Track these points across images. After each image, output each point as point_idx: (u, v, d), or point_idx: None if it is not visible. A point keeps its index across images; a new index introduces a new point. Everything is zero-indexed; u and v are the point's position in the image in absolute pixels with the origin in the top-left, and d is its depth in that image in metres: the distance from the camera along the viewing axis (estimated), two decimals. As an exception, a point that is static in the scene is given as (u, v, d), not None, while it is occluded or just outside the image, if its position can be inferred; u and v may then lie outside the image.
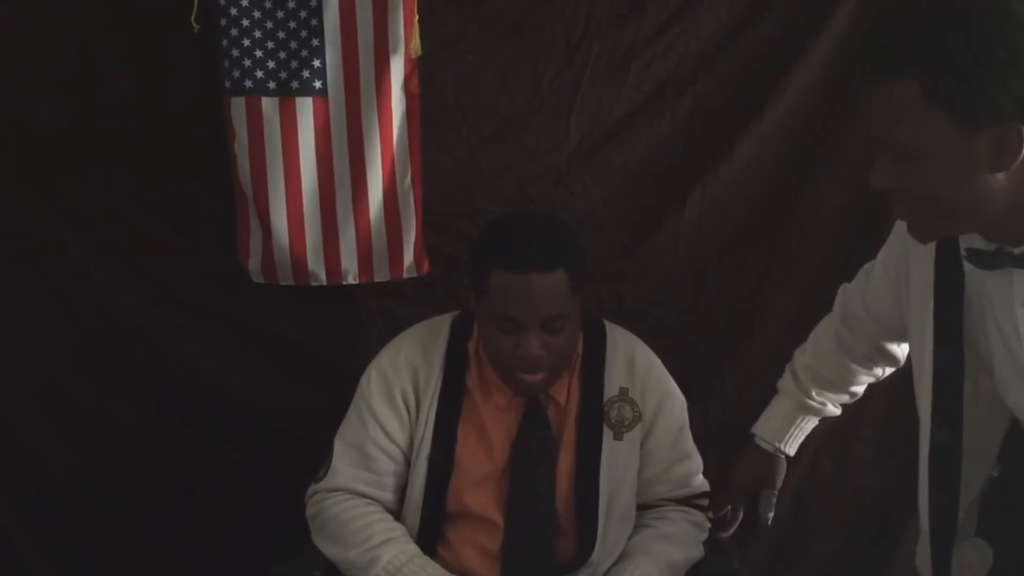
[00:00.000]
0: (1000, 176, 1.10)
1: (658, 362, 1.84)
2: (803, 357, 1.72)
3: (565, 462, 1.75)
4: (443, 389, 1.75)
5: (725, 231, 2.21)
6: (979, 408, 1.33)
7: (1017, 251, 1.18)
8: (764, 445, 1.75)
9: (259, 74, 2.00)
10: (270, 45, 2.00)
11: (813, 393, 1.70)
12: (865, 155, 1.96)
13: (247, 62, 1.99)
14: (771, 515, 1.75)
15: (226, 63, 1.99)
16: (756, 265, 2.24)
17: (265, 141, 2.02)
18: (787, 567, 2.37)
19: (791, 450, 1.75)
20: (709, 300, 2.24)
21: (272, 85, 2.01)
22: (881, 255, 1.53)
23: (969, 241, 1.24)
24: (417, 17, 2.01)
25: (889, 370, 1.68)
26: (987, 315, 1.26)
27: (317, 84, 2.02)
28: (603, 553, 1.76)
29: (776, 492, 1.76)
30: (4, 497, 2.24)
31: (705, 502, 1.82)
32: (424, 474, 1.73)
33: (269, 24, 1.99)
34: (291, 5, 1.99)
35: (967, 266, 1.26)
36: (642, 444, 1.79)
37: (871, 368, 1.68)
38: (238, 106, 2.01)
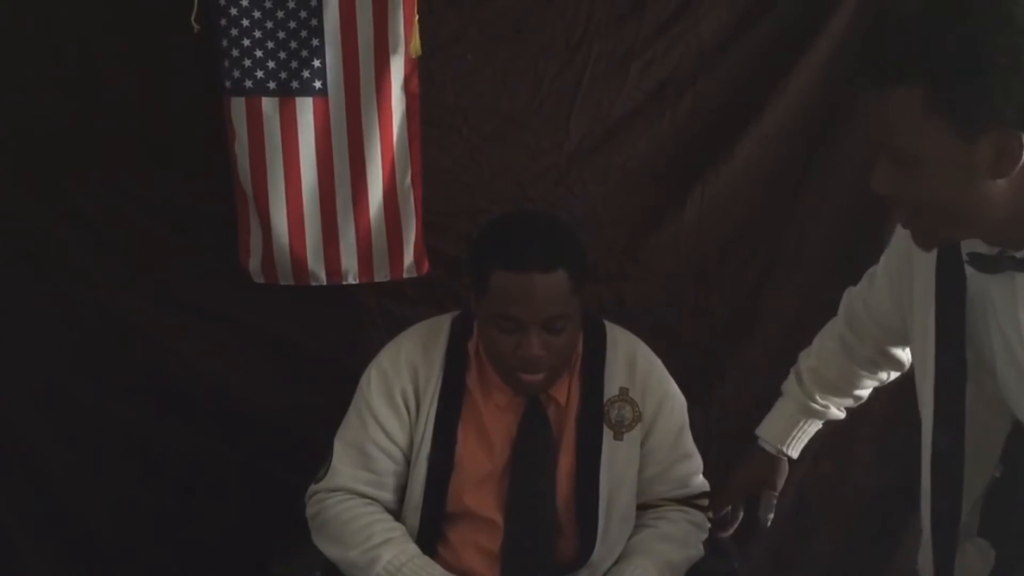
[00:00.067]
0: (1001, 182, 1.10)
1: (658, 362, 1.84)
2: (807, 360, 1.72)
3: (565, 462, 1.75)
4: (443, 389, 1.75)
5: (725, 231, 2.21)
6: (982, 410, 1.33)
7: (1019, 255, 1.18)
8: (767, 447, 1.75)
9: (259, 74, 2.00)
10: (270, 45, 2.00)
11: (817, 396, 1.70)
12: (865, 155, 1.96)
13: (247, 62, 1.99)
14: (771, 516, 1.74)
15: (226, 63, 1.99)
16: (756, 265, 2.24)
17: (265, 141, 2.02)
18: (787, 567, 2.37)
19: (794, 453, 1.75)
20: (709, 300, 2.24)
21: (272, 85, 2.01)
22: (883, 259, 1.52)
23: (971, 245, 1.23)
24: (417, 17, 2.01)
25: (894, 375, 1.67)
26: (989, 318, 1.26)
27: (317, 84, 2.02)
28: (603, 553, 1.76)
29: (777, 494, 1.76)
30: (4, 497, 2.24)
31: (705, 502, 1.82)
32: (424, 474, 1.73)
33: (269, 24, 1.99)
34: (291, 5, 1.99)
35: (969, 269, 1.26)
36: (642, 444, 1.79)
37: (876, 372, 1.67)
38: (238, 106, 2.01)
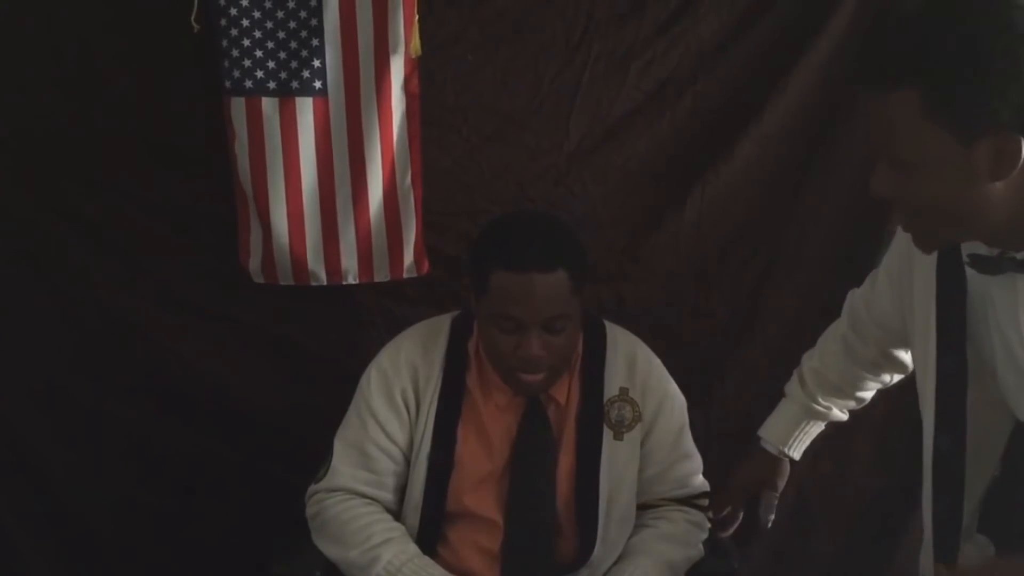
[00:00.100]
0: (999, 184, 1.10)
1: (658, 362, 1.84)
2: (810, 361, 1.72)
3: (565, 462, 1.75)
4: (443, 389, 1.75)
5: (725, 231, 2.21)
6: (983, 411, 1.33)
7: (1019, 256, 1.18)
8: (769, 448, 1.75)
9: (259, 74, 2.00)
10: (270, 45, 2.00)
11: (819, 398, 1.70)
12: (865, 155, 1.96)
13: (247, 62, 1.99)
14: (772, 517, 1.74)
15: (226, 63, 1.99)
16: (756, 265, 2.24)
17: (265, 141, 2.02)
18: (787, 567, 2.37)
19: (796, 454, 1.75)
20: (709, 300, 2.24)
21: (272, 85, 2.01)
22: (885, 260, 1.52)
23: (971, 247, 1.24)
24: (417, 17, 2.01)
25: (897, 377, 1.67)
26: (990, 319, 1.26)
27: (317, 84, 2.02)
28: (603, 553, 1.76)
29: (777, 495, 1.76)
30: (4, 497, 2.24)
31: (705, 502, 1.82)
32: (424, 474, 1.73)
33: (269, 24, 1.99)
34: (291, 5, 1.99)
35: (969, 271, 1.26)
36: (642, 444, 1.79)
37: (878, 375, 1.67)
38: (238, 106, 2.01)
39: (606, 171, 2.17)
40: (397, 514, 1.77)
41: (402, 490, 1.77)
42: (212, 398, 2.21)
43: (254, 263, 2.12)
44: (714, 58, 2.13)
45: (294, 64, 2.01)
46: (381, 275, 2.14)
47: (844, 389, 1.70)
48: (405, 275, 2.15)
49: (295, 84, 2.01)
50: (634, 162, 2.17)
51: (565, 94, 2.13)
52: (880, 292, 1.54)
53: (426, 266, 2.15)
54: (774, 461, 1.75)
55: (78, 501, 2.26)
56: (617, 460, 1.76)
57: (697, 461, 1.86)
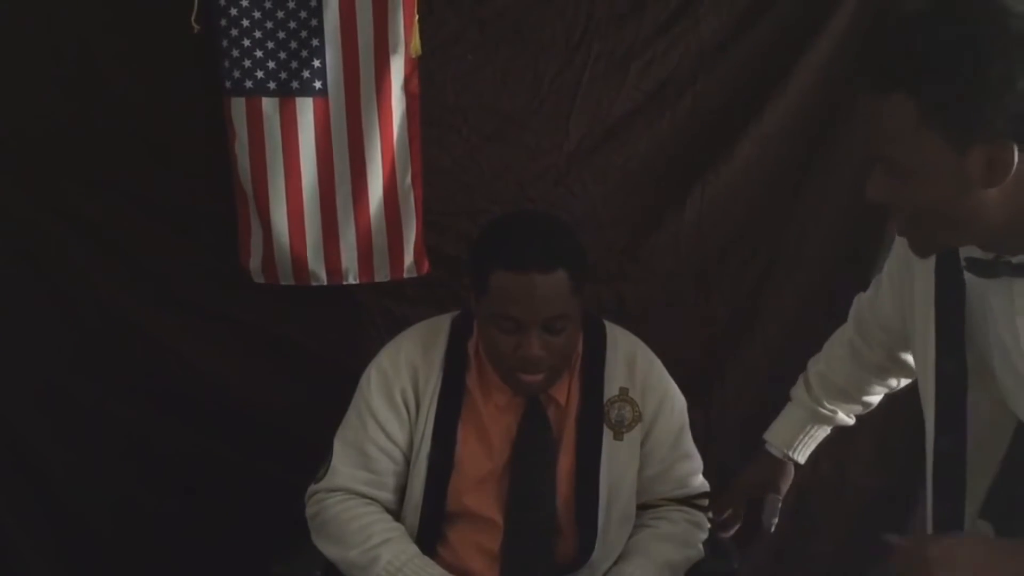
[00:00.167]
0: (993, 190, 1.11)
1: (658, 362, 1.84)
2: (816, 365, 1.72)
3: (565, 462, 1.75)
4: (443, 389, 1.75)
5: (725, 231, 2.21)
6: (985, 412, 1.33)
7: (1015, 260, 1.18)
8: (773, 451, 1.75)
9: (259, 74, 2.00)
10: (270, 45, 2.00)
11: (825, 402, 1.70)
12: (865, 156, 1.96)
13: (247, 62, 1.99)
14: (775, 521, 1.74)
15: (226, 63, 1.99)
16: (756, 265, 2.24)
17: (265, 141, 2.03)
18: (787, 567, 2.37)
19: (801, 458, 1.75)
20: (709, 300, 2.24)
21: (272, 85, 2.01)
22: (887, 263, 1.53)
23: (968, 250, 1.24)
24: (417, 17, 2.01)
25: (905, 381, 1.66)
26: (988, 322, 1.26)
27: (317, 84, 2.02)
28: (603, 553, 1.76)
29: (781, 498, 1.76)
30: (4, 497, 2.24)
31: (705, 502, 1.82)
32: (424, 474, 1.73)
33: (269, 24, 1.99)
34: (291, 5, 1.99)
35: (967, 274, 1.26)
36: (642, 444, 1.79)
37: (885, 379, 1.67)
38: (238, 106, 2.01)
39: (606, 171, 2.17)
40: (397, 514, 1.77)
41: (402, 490, 1.77)
42: (212, 398, 2.21)
43: (254, 263, 2.12)
44: (714, 58, 2.13)
45: (294, 64, 2.01)
46: (381, 275, 2.14)
47: (850, 393, 1.70)
48: (405, 275, 2.15)
49: (295, 84, 2.02)
50: (634, 162, 2.17)
51: (565, 94, 2.13)
52: (883, 295, 1.54)
53: (426, 266, 2.16)
54: (778, 464, 1.76)
55: (78, 501, 2.26)
56: (617, 460, 1.76)
57: (697, 461, 1.86)
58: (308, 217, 2.08)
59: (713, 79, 2.14)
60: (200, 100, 2.05)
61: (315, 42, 2.00)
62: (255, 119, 2.01)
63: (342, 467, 1.75)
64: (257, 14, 1.98)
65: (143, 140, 2.10)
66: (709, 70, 2.13)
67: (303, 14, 2.00)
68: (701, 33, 2.12)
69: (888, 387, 1.70)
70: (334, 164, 2.07)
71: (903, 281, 1.43)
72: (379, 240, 2.12)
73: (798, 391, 1.75)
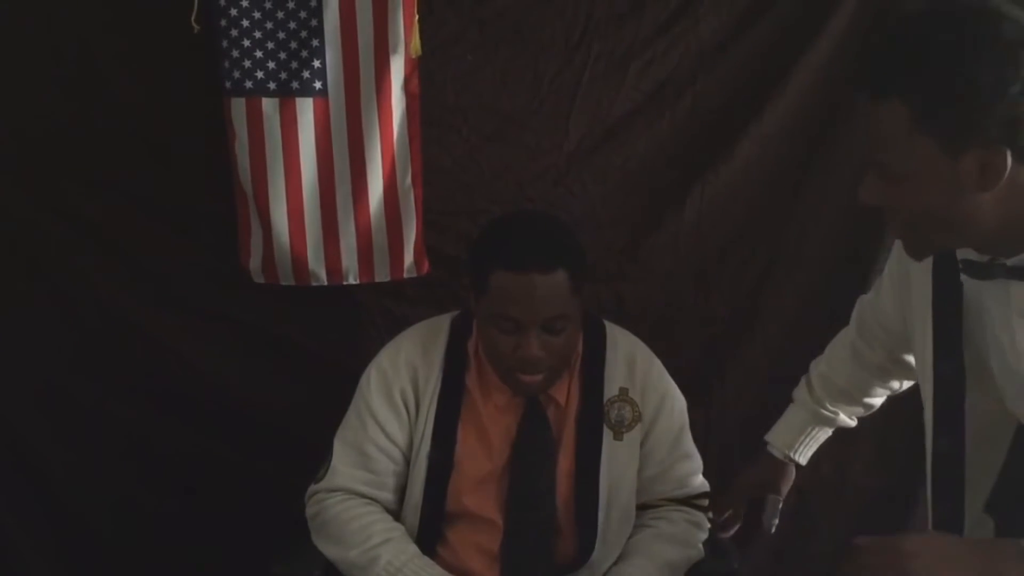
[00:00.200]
0: (986, 195, 1.11)
1: (658, 362, 1.84)
2: (818, 367, 1.72)
3: (565, 462, 1.75)
4: (443, 389, 1.75)
5: (725, 231, 2.21)
6: (985, 413, 1.33)
7: (1009, 263, 1.19)
8: (775, 452, 1.75)
9: (259, 75, 2.00)
10: (270, 46, 2.00)
11: (827, 403, 1.70)
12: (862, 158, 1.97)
13: (247, 63, 1.99)
14: (776, 522, 1.74)
15: (226, 64, 1.99)
16: (756, 265, 2.24)
17: (265, 141, 2.02)
18: (787, 567, 2.37)
19: (802, 459, 1.75)
20: (709, 300, 2.24)
21: (272, 86, 2.01)
22: (887, 264, 1.53)
23: (964, 252, 1.24)
24: (417, 17, 2.01)
25: (907, 383, 1.66)
26: (986, 324, 1.27)
27: (317, 84, 2.02)
28: (603, 553, 1.76)
29: (781, 499, 1.76)
30: (4, 497, 2.24)
31: (705, 502, 1.82)
32: (424, 474, 1.73)
33: (269, 25, 1.99)
34: (291, 6, 1.99)
35: (964, 275, 1.27)
36: (642, 444, 1.79)
37: (887, 381, 1.67)
38: (238, 107, 2.01)
39: (606, 171, 2.17)
40: (397, 514, 1.77)
41: (402, 490, 1.77)
42: (212, 398, 2.21)
43: (254, 263, 2.12)
44: (714, 58, 2.13)
45: (294, 64, 2.01)
46: (381, 275, 2.14)
47: (852, 395, 1.70)
48: (405, 275, 2.15)
49: (295, 84, 2.02)
50: (634, 162, 2.17)
51: (565, 94, 2.13)
52: (884, 296, 1.54)
53: (426, 266, 2.15)
54: (779, 466, 1.76)
55: (78, 501, 2.26)
56: (617, 460, 1.76)
57: (697, 461, 1.86)
58: (308, 217, 2.08)
59: (713, 79, 2.14)
60: (200, 100, 2.05)
61: (315, 42, 2.00)
62: (255, 119, 2.01)
63: (342, 467, 1.75)
64: (257, 14, 1.98)
65: (143, 140, 2.10)
66: (709, 70, 2.13)
67: (303, 14, 2.00)
68: (701, 33, 2.12)
69: (890, 389, 1.70)
70: (334, 164, 2.07)
71: (902, 282, 1.43)
72: (379, 240, 2.12)
73: (800, 392, 1.75)
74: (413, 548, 1.70)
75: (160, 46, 2.02)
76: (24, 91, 2.06)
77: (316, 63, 2.01)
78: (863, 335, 1.64)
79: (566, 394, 1.76)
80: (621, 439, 1.76)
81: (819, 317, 1.83)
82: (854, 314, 1.67)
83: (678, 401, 1.83)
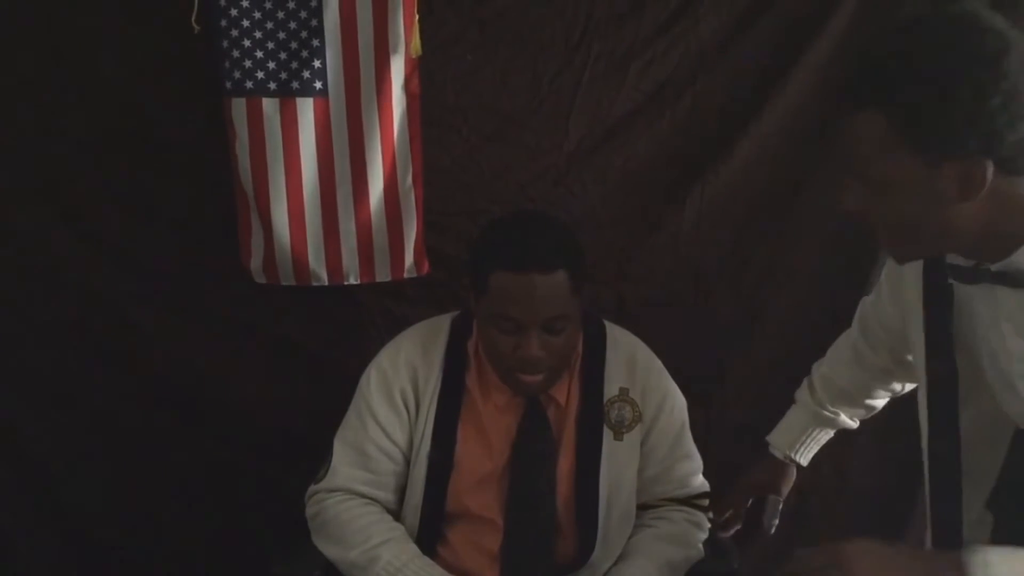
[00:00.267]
0: (967, 204, 1.12)
1: (658, 362, 1.84)
2: (820, 368, 1.73)
3: (565, 462, 1.75)
4: (443, 389, 1.75)
5: (725, 231, 2.21)
6: (984, 413, 1.33)
7: (994, 268, 1.19)
8: (776, 453, 1.75)
9: (260, 75, 2.00)
10: (270, 46, 2.00)
11: (828, 405, 1.71)
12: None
13: (248, 63, 1.99)
14: (776, 523, 1.74)
15: (227, 64, 1.99)
16: (756, 265, 2.24)
17: (266, 142, 2.03)
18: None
19: (803, 460, 1.75)
20: (709, 300, 2.24)
21: (273, 86, 2.01)
22: (885, 266, 1.53)
23: (952, 257, 1.25)
24: (417, 17, 2.01)
25: (909, 385, 1.66)
26: (976, 326, 1.27)
27: (317, 85, 2.02)
28: (603, 553, 1.76)
29: (782, 499, 1.76)
30: (4, 497, 2.24)
31: (705, 502, 1.82)
32: (424, 474, 1.73)
33: (269, 25, 1.99)
34: (291, 6, 1.99)
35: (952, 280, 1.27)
36: (642, 444, 1.79)
37: (888, 382, 1.67)
38: (239, 107, 2.01)
39: (606, 171, 2.17)
40: (397, 514, 1.77)
41: (402, 490, 1.77)
42: (212, 398, 2.21)
43: (255, 263, 2.12)
44: (714, 58, 2.13)
45: (294, 65, 2.01)
46: (382, 275, 2.14)
47: (853, 396, 1.70)
48: (406, 275, 2.15)
49: (295, 85, 2.02)
50: (634, 162, 2.17)
51: (565, 94, 2.13)
52: (883, 297, 1.55)
53: (426, 266, 2.16)
54: (780, 466, 1.76)
55: (78, 501, 2.26)
56: (617, 460, 1.76)
57: (697, 461, 1.86)
58: (309, 217, 2.08)
59: (713, 79, 2.14)
60: (200, 100, 2.05)
61: (315, 42, 2.00)
62: (255, 119, 2.02)
63: (342, 467, 1.75)
64: (257, 14, 1.98)
65: (143, 140, 2.10)
66: (709, 70, 2.14)
67: (303, 14, 2.00)
68: (701, 33, 2.12)
69: (892, 391, 1.70)
70: (334, 164, 2.07)
71: (898, 282, 1.43)
72: (379, 240, 2.12)
73: (802, 394, 1.75)
74: (413, 548, 1.70)
75: (160, 46, 2.02)
76: (24, 91, 2.06)
77: (316, 63, 2.01)
78: (865, 337, 1.64)
79: (566, 394, 1.76)
80: (621, 439, 1.77)
81: (819, 317, 1.83)
82: (856, 316, 1.67)
83: (678, 401, 1.83)
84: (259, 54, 2.00)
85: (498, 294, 1.62)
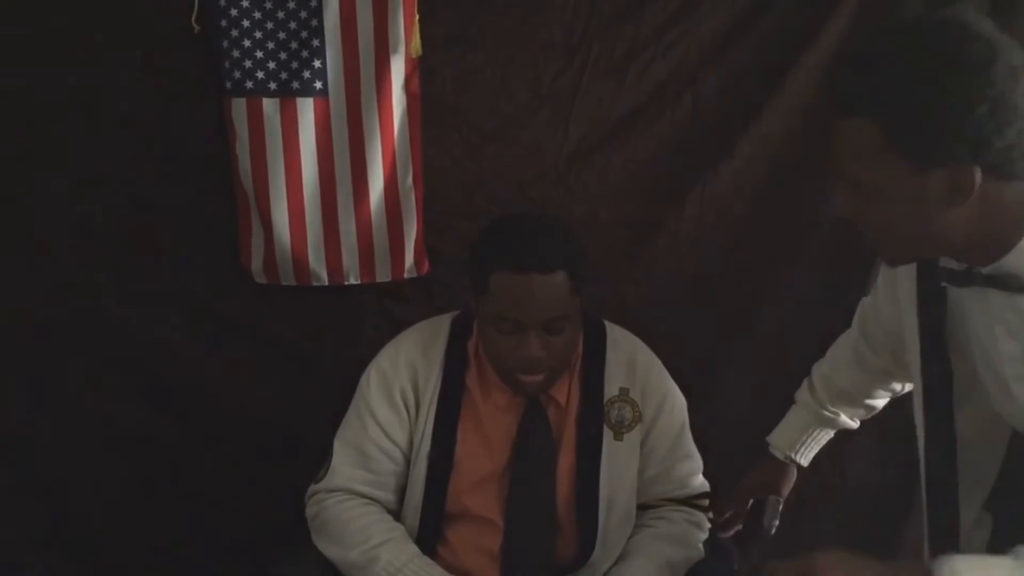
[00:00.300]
0: (956, 210, 1.12)
1: (658, 362, 1.84)
2: (820, 368, 1.73)
3: (565, 462, 1.75)
4: (443, 389, 1.75)
5: (725, 231, 2.21)
6: (982, 414, 1.33)
7: (985, 271, 1.20)
8: (776, 453, 1.76)
9: (260, 75, 2.00)
10: (271, 46, 2.00)
11: (828, 405, 1.71)
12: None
13: (248, 63, 2.00)
14: (776, 523, 1.75)
15: (227, 64, 2.00)
16: (756, 265, 2.24)
17: (266, 142, 2.03)
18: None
19: (803, 460, 1.76)
20: (709, 300, 2.24)
21: (273, 86, 2.01)
22: (881, 268, 1.53)
23: (944, 260, 1.26)
24: (417, 17, 2.01)
25: (909, 386, 1.66)
26: (969, 328, 1.27)
27: (318, 84, 2.02)
28: (603, 553, 1.76)
29: (782, 500, 1.76)
30: (4, 497, 2.24)
31: (705, 502, 1.82)
32: (424, 474, 1.73)
33: (269, 25, 2.00)
34: (291, 6, 1.99)
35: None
36: (642, 444, 1.79)
37: (888, 382, 1.67)
38: (239, 107, 2.01)
39: (606, 171, 2.17)
40: (397, 514, 1.77)
41: (402, 490, 1.77)
42: (212, 398, 2.21)
43: (256, 264, 2.12)
44: (714, 58, 2.13)
45: (295, 65, 2.01)
46: (382, 275, 2.14)
47: (853, 397, 1.70)
48: (406, 275, 2.15)
49: (296, 85, 2.02)
50: (634, 162, 2.17)
51: (565, 94, 2.13)
52: (880, 298, 1.55)
53: (426, 266, 2.16)
54: (781, 467, 1.76)
55: (78, 501, 2.26)
56: (617, 460, 1.76)
57: (697, 461, 1.86)
58: (309, 217, 2.08)
59: (713, 79, 2.14)
60: (200, 100, 2.05)
61: (315, 42, 2.00)
62: (256, 119, 2.02)
63: (342, 467, 1.75)
64: (257, 15, 1.99)
65: (143, 140, 2.10)
66: (709, 70, 2.14)
67: (303, 14, 2.00)
68: (701, 33, 2.12)
69: (892, 391, 1.70)
70: (335, 164, 2.07)
71: (893, 284, 1.44)
72: (380, 240, 2.12)
73: (802, 394, 1.75)
74: (413, 548, 1.70)
75: (160, 46, 2.02)
76: (24, 91, 2.06)
77: (317, 63, 2.01)
78: (865, 337, 1.64)
79: (566, 394, 1.77)
80: (621, 439, 1.77)
81: (819, 317, 1.82)
82: (856, 316, 1.68)
83: (678, 401, 1.83)
84: (259, 54, 2.00)
85: (498, 294, 1.62)
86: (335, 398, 1.83)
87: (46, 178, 2.11)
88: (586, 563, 1.75)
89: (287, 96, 2.02)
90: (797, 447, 1.75)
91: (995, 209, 1.13)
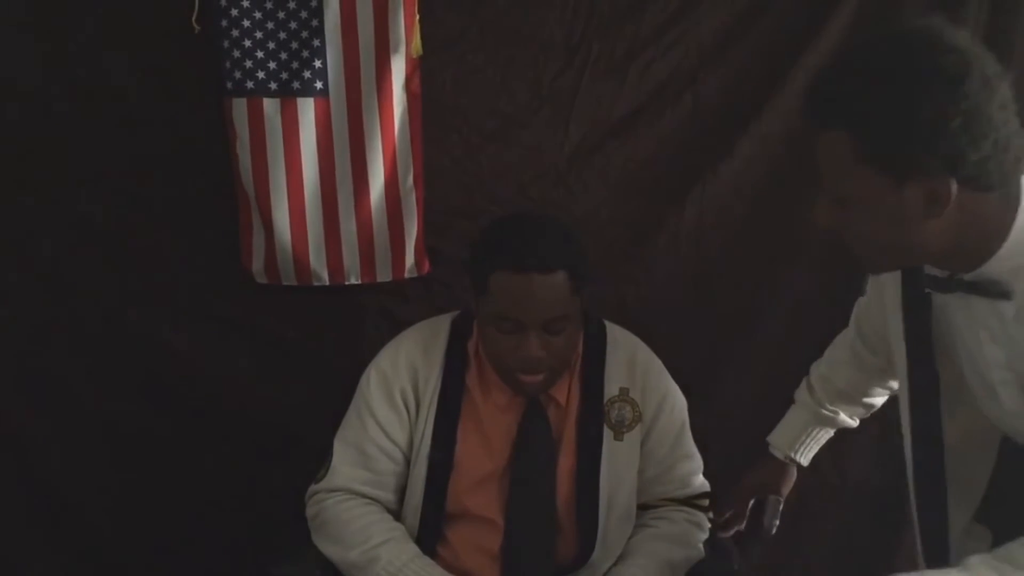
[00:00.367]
0: (933, 221, 1.13)
1: (658, 362, 1.84)
2: (819, 368, 1.73)
3: (565, 462, 1.75)
4: (443, 389, 1.75)
5: (725, 231, 2.21)
6: (970, 421, 1.34)
7: (967, 278, 1.20)
8: (776, 453, 1.76)
9: (260, 75, 2.00)
10: (271, 46, 2.00)
11: (827, 404, 1.71)
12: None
13: (248, 63, 2.00)
14: (776, 523, 1.75)
15: (227, 64, 2.00)
16: (756, 265, 2.24)
17: (267, 142, 2.03)
18: (787, 567, 2.37)
19: (803, 459, 1.76)
20: (709, 300, 2.24)
21: (273, 86, 2.01)
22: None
23: (928, 267, 1.26)
24: (417, 17, 2.01)
25: None
26: (955, 333, 1.28)
27: (318, 85, 2.02)
28: (603, 553, 1.76)
29: (782, 499, 1.76)
30: (4, 497, 2.24)
31: (706, 502, 1.82)
32: (424, 474, 1.73)
33: (270, 25, 2.00)
34: (292, 6, 1.99)
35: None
36: (642, 444, 1.79)
37: (886, 381, 1.68)
38: (239, 107, 2.01)
39: (606, 171, 2.17)
40: (397, 514, 1.77)
41: (402, 490, 1.77)
42: (212, 398, 2.21)
43: (256, 264, 2.12)
44: (714, 58, 2.13)
45: (295, 65, 2.01)
46: (383, 275, 2.14)
47: (852, 396, 1.70)
48: (406, 275, 2.15)
49: (296, 85, 2.02)
50: (634, 162, 2.17)
51: (565, 94, 2.13)
52: (871, 301, 1.55)
53: (427, 266, 2.16)
54: (781, 467, 1.77)
55: (78, 501, 2.26)
56: (617, 460, 1.76)
57: (697, 461, 1.86)
58: (310, 217, 2.08)
59: (713, 79, 2.14)
60: (200, 100, 2.05)
61: (316, 42, 2.00)
62: (256, 120, 2.02)
63: (342, 467, 1.75)
64: (258, 15, 1.99)
65: (143, 140, 2.10)
66: (709, 70, 2.14)
67: (304, 14, 2.00)
68: (701, 33, 2.12)
69: (890, 389, 1.70)
70: (335, 164, 2.07)
71: (880, 290, 1.45)
72: (380, 240, 2.12)
73: (801, 394, 1.75)
74: (413, 548, 1.70)
75: (160, 46, 2.02)
76: (24, 91, 2.06)
77: (317, 63, 2.01)
78: (862, 337, 1.64)
79: (566, 394, 1.77)
80: (621, 439, 1.77)
81: (819, 317, 1.82)
82: (853, 316, 1.68)
83: (678, 401, 1.83)
84: (260, 54, 2.00)
85: (498, 294, 1.62)
86: (335, 398, 1.83)
87: (46, 178, 2.11)
88: (586, 563, 1.75)
89: (288, 96, 2.02)
90: (797, 447, 1.75)
91: (973, 220, 1.14)
